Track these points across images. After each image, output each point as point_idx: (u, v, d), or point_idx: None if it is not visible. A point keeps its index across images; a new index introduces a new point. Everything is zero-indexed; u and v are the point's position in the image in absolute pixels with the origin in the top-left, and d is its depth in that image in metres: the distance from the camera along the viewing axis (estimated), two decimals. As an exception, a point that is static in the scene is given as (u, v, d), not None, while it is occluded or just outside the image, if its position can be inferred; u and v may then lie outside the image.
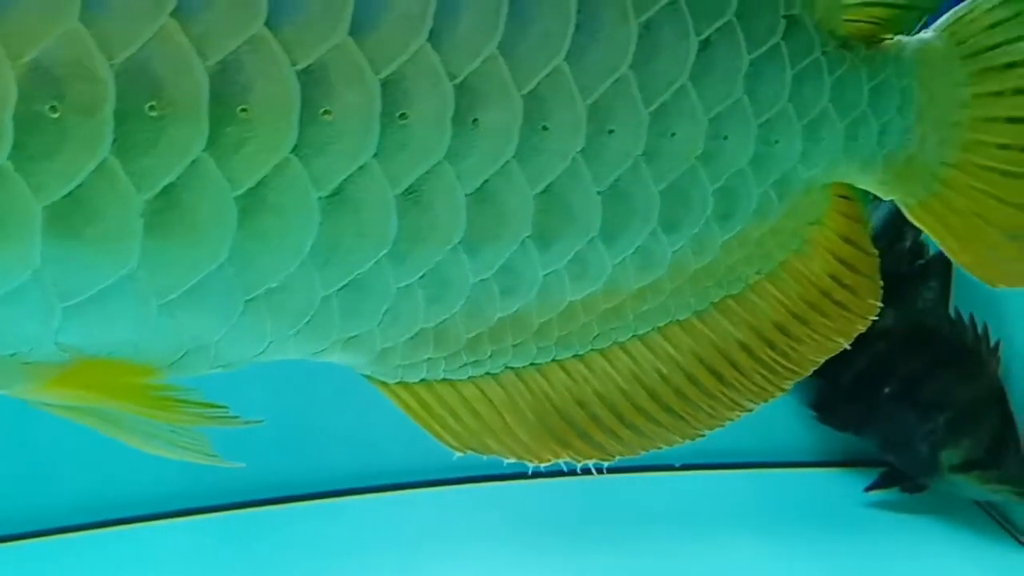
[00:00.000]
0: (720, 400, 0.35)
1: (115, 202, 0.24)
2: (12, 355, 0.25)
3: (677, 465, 0.74)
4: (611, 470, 0.34)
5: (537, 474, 0.34)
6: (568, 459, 0.33)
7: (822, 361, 0.36)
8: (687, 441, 0.34)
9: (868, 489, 0.73)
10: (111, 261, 0.24)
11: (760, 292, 0.35)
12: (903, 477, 0.73)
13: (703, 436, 0.34)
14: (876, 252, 0.36)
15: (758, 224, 0.34)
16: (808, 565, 0.66)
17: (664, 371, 0.34)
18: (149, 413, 0.26)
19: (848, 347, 0.36)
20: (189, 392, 0.27)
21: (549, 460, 0.33)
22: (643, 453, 0.34)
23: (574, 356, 0.33)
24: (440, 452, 0.33)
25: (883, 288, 0.36)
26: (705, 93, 0.31)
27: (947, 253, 0.36)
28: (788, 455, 0.78)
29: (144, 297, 0.25)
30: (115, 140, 0.23)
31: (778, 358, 0.35)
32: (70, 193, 0.23)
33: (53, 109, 0.23)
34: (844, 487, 0.76)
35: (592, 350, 0.33)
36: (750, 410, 0.35)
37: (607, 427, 0.33)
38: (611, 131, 0.30)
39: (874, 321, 0.36)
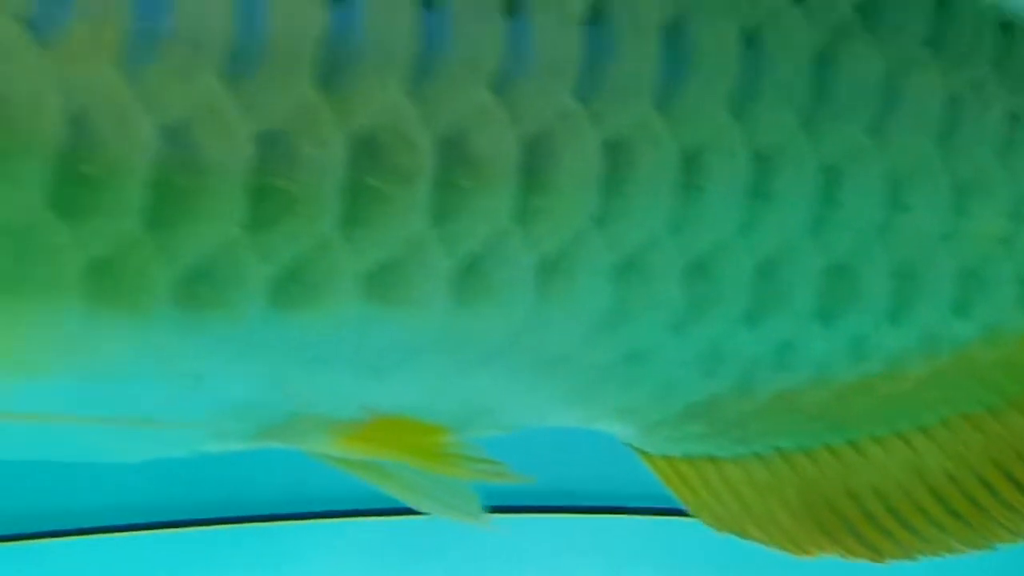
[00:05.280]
0: (1020, 512, 0.33)
1: (425, 269, 0.26)
2: (319, 414, 0.27)
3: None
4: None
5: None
6: (836, 555, 0.33)
7: None
8: (974, 551, 0.33)
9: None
10: (417, 326, 0.26)
11: None
12: None
13: (993, 549, 0.33)
14: None
15: None
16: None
17: (951, 469, 0.33)
18: (436, 468, 0.28)
19: None
20: (471, 449, 0.29)
21: (813, 553, 0.33)
22: (920, 558, 0.33)
23: (847, 442, 0.33)
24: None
25: None
26: (1011, 168, 0.31)
27: None
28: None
29: (444, 360, 0.27)
30: (430, 209, 0.25)
31: None
32: (385, 259, 0.25)
33: (377, 178, 0.25)
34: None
35: (867, 437, 0.33)
36: None
37: (881, 525, 0.33)
38: (910, 208, 0.30)
39: None
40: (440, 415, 0.28)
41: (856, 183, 0.30)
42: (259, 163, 0.24)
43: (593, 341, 0.29)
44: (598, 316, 0.28)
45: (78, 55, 0.23)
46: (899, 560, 0.33)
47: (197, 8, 0.23)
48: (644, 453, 0.33)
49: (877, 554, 0.33)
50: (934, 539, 0.33)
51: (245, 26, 0.24)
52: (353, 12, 0.24)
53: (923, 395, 0.33)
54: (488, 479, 0.28)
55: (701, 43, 0.27)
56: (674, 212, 0.28)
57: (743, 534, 0.33)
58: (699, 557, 0.69)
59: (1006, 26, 0.31)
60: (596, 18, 0.26)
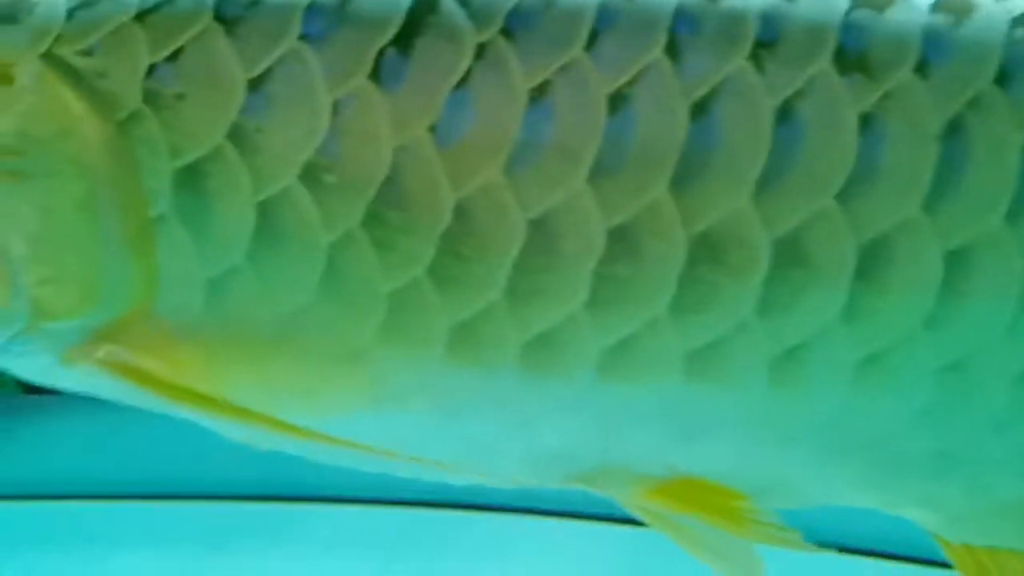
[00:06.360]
0: None
1: (746, 353, 0.28)
2: (627, 468, 0.30)
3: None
4: None
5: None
6: None
7: None
8: None
9: None
10: (730, 402, 0.29)
11: None
12: None
13: None
14: None
15: None
16: None
17: None
18: (730, 529, 0.30)
19: None
20: (766, 515, 0.30)
21: None
22: None
23: None
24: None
25: None
26: None
27: None
28: None
29: (750, 435, 0.29)
30: (759, 301, 0.27)
31: None
32: (709, 342, 0.28)
33: (712, 271, 0.27)
34: None
35: None
36: None
37: None
38: None
39: None
40: (739, 482, 0.30)
41: None
42: (607, 253, 0.27)
43: (906, 434, 0.30)
44: (915, 412, 0.29)
45: (469, 158, 0.27)
46: None
47: (575, 121, 0.27)
48: (943, 540, 0.33)
49: None
50: None
51: (615, 135, 0.27)
52: (710, 123, 0.27)
53: None
54: (778, 545, 0.30)
55: None
56: (1010, 321, 0.28)
57: None
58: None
59: None
60: (950, 133, 0.27)
